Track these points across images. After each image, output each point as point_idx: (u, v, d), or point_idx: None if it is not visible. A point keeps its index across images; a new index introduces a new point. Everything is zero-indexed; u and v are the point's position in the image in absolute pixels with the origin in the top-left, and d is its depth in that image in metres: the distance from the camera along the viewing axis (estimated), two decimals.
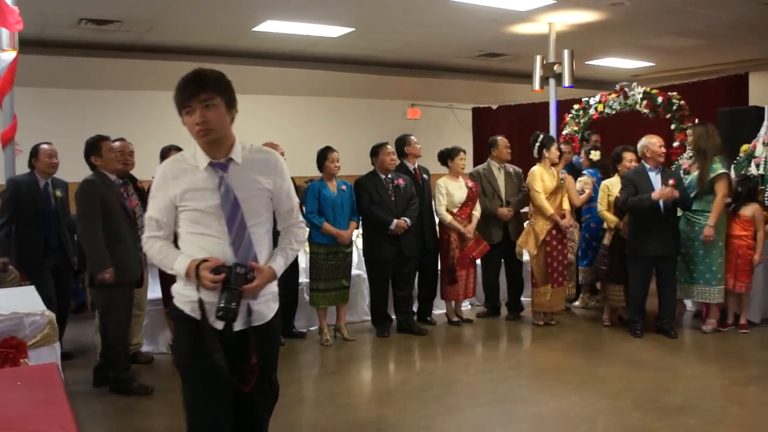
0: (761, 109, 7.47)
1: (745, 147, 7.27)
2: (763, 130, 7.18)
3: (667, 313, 6.54)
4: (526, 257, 7.31)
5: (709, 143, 6.44)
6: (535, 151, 7.08)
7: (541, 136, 7.13)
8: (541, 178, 6.96)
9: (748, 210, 6.57)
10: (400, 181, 6.82)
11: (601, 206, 6.84)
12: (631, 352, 6.16)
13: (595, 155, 7.64)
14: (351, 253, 6.81)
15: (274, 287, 2.98)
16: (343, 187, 6.67)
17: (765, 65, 11.02)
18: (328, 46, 10.71)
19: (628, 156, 6.79)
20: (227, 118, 2.80)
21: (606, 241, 6.86)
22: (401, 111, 14.30)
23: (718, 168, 6.36)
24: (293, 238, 3.04)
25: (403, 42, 10.79)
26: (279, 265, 2.91)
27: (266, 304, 2.93)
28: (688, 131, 7.93)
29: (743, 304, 6.67)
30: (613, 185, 6.78)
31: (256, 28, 9.40)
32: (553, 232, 6.96)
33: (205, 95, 2.70)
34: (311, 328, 7.04)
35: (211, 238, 2.79)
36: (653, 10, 9.12)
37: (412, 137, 7.21)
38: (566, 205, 7.08)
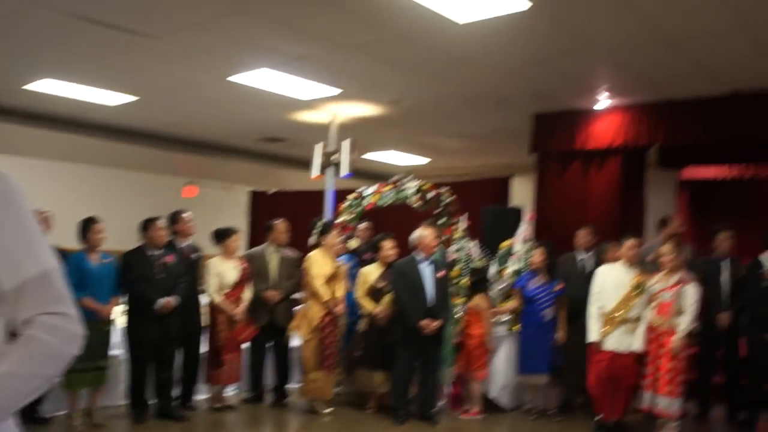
0: (520, 210, 8.06)
1: (505, 243, 7.76)
2: (521, 229, 7.72)
3: (428, 400, 6.67)
4: (296, 342, 7.23)
5: None
6: (315, 237, 7.12)
7: (321, 222, 7.19)
8: (319, 263, 6.97)
9: (476, 300, 7.02)
10: (169, 259, 6.54)
11: (359, 293, 6.94)
12: None
13: (352, 243, 7.85)
14: (109, 331, 6.35)
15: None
16: (107, 259, 6.28)
17: (525, 170, 11.99)
18: (106, 114, 10.25)
19: (388, 244, 6.98)
20: None
21: (362, 327, 6.94)
22: (177, 187, 13.94)
23: None
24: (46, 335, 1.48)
25: (186, 118, 10.59)
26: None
27: None
28: (455, 226, 8.37)
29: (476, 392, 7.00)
30: (370, 272, 6.92)
31: (28, 86, 8.80)
32: (327, 318, 6.94)
33: None
34: (58, 413, 6.40)
35: None
36: (430, 111, 9.66)
37: (185, 215, 7.00)
38: (340, 292, 7.10)
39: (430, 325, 6.38)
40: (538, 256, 7.08)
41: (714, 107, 8.33)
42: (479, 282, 7.22)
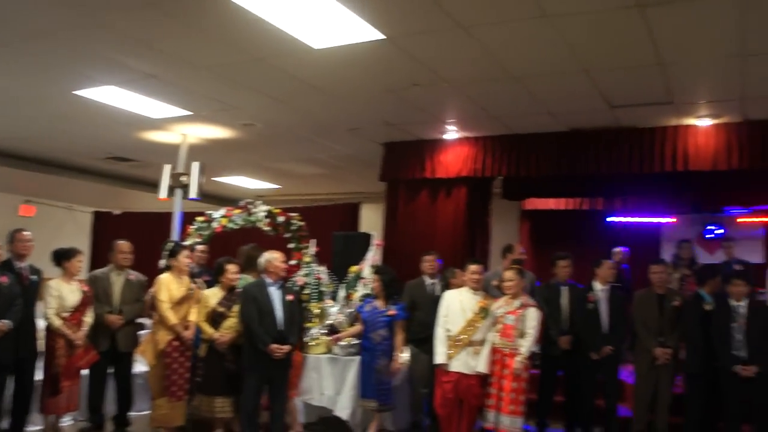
0: (369, 236, 8.21)
1: (354, 268, 7.86)
2: (370, 254, 7.86)
3: (278, 425, 6.60)
4: (142, 368, 6.98)
5: None
6: (165, 259, 6.92)
7: (172, 244, 7.01)
8: (168, 286, 6.75)
9: None
10: (3, 280, 6.18)
11: (199, 317, 6.78)
12: None
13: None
14: None
15: None
16: None
17: (373, 198, 12.24)
18: None
19: (231, 268, 6.89)
20: None
21: (201, 352, 6.76)
22: (13, 206, 13.19)
23: None
24: None
25: (25, 133, 10.09)
26: None
27: None
28: (304, 251, 8.41)
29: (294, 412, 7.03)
30: (210, 296, 6.81)
31: None
32: (175, 343, 6.71)
33: None
34: None
35: None
36: (283, 136, 9.69)
37: (22, 233, 6.64)
38: (193, 317, 6.89)
39: (279, 349, 6.35)
40: (374, 281, 7.17)
41: (553, 142, 8.86)
42: None
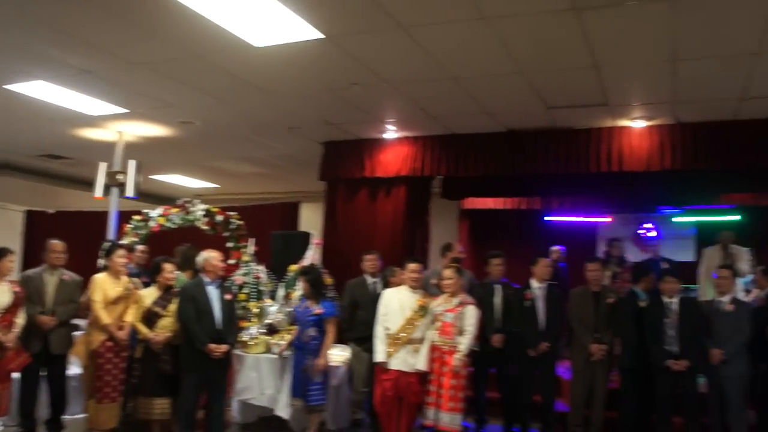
0: (309, 234, 8.19)
1: (293, 267, 7.82)
2: (309, 253, 7.84)
3: (216, 425, 6.54)
4: (79, 370, 6.83)
5: None
6: (102, 259, 6.79)
7: (109, 244, 6.88)
8: (102, 286, 6.63)
9: None
10: None
11: (135, 317, 6.67)
12: None
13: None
14: None
15: None
16: None
17: (312, 197, 12.22)
18: None
19: (168, 267, 6.81)
20: None
21: (138, 353, 6.67)
22: None
23: None
24: None
25: None
26: None
27: None
28: (243, 250, 8.35)
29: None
30: (146, 296, 6.72)
31: None
32: (108, 343, 6.59)
33: None
34: None
35: None
36: (222, 134, 9.60)
37: None
38: (129, 317, 6.77)
39: (218, 348, 6.29)
40: (302, 281, 7.13)
41: (492, 143, 8.98)
42: None
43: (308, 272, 7.11)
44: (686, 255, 12.02)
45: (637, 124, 8.39)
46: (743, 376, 6.64)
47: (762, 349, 6.64)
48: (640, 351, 6.91)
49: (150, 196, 13.57)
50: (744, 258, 8.87)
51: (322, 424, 7.04)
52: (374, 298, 7.08)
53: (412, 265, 6.81)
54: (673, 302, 6.82)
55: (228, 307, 6.54)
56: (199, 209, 8.60)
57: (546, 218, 13.07)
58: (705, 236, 11.76)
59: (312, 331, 6.79)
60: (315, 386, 6.71)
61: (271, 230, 9.73)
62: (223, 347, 6.32)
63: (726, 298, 6.80)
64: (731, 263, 7.97)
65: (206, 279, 6.54)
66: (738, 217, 11.76)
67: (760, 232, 10.97)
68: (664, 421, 6.78)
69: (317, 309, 6.84)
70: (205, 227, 8.58)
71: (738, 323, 6.64)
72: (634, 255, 11.79)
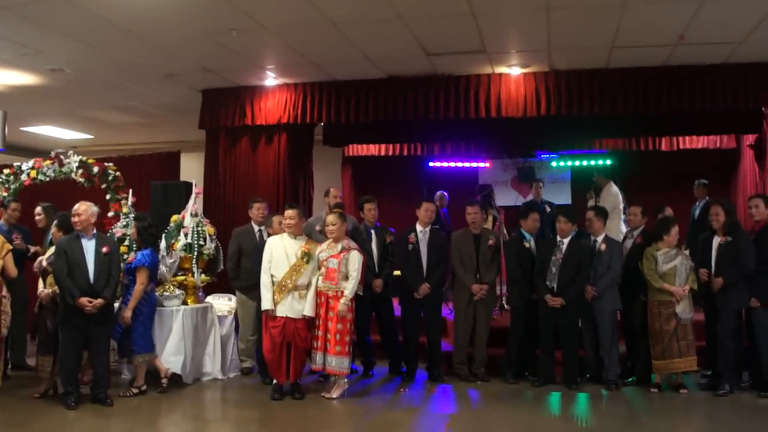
0: (190, 184, 8.02)
1: (175, 217, 7.67)
2: (190, 203, 7.68)
3: (101, 381, 6.40)
4: None
5: None
6: None
7: None
8: None
9: None
10: None
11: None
12: (64, 425, 5.84)
13: None
14: None
15: None
16: None
17: (194, 146, 11.97)
18: None
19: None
20: None
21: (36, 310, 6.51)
22: None
23: None
24: None
25: None
26: None
27: None
28: (122, 201, 8.12)
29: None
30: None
31: None
32: None
33: None
34: None
35: None
36: (95, 82, 9.21)
37: None
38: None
39: (90, 302, 6.11)
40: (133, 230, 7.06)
41: (372, 89, 9.01)
42: None
43: (139, 218, 6.98)
44: (565, 198, 12.54)
45: (514, 71, 8.58)
46: (613, 311, 7.07)
47: (633, 284, 7.05)
48: (526, 289, 7.25)
49: (20, 149, 12.97)
50: (609, 199, 9.14)
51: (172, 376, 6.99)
52: (260, 247, 7.05)
53: (287, 212, 6.78)
54: (564, 242, 7.12)
55: (104, 260, 6.34)
56: (73, 161, 8.28)
57: (429, 164, 13.26)
58: (579, 180, 12.29)
59: (125, 281, 6.72)
60: (137, 334, 6.68)
61: (151, 180, 9.50)
62: (97, 301, 6.15)
63: (600, 238, 7.16)
64: (596, 205, 8.27)
65: (82, 233, 6.34)
66: (610, 162, 12.27)
67: (630, 175, 11.50)
68: (547, 355, 7.14)
69: (130, 257, 6.78)
70: (81, 179, 8.28)
71: (609, 261, 7.02)
72: (513, 199, 12.25)
